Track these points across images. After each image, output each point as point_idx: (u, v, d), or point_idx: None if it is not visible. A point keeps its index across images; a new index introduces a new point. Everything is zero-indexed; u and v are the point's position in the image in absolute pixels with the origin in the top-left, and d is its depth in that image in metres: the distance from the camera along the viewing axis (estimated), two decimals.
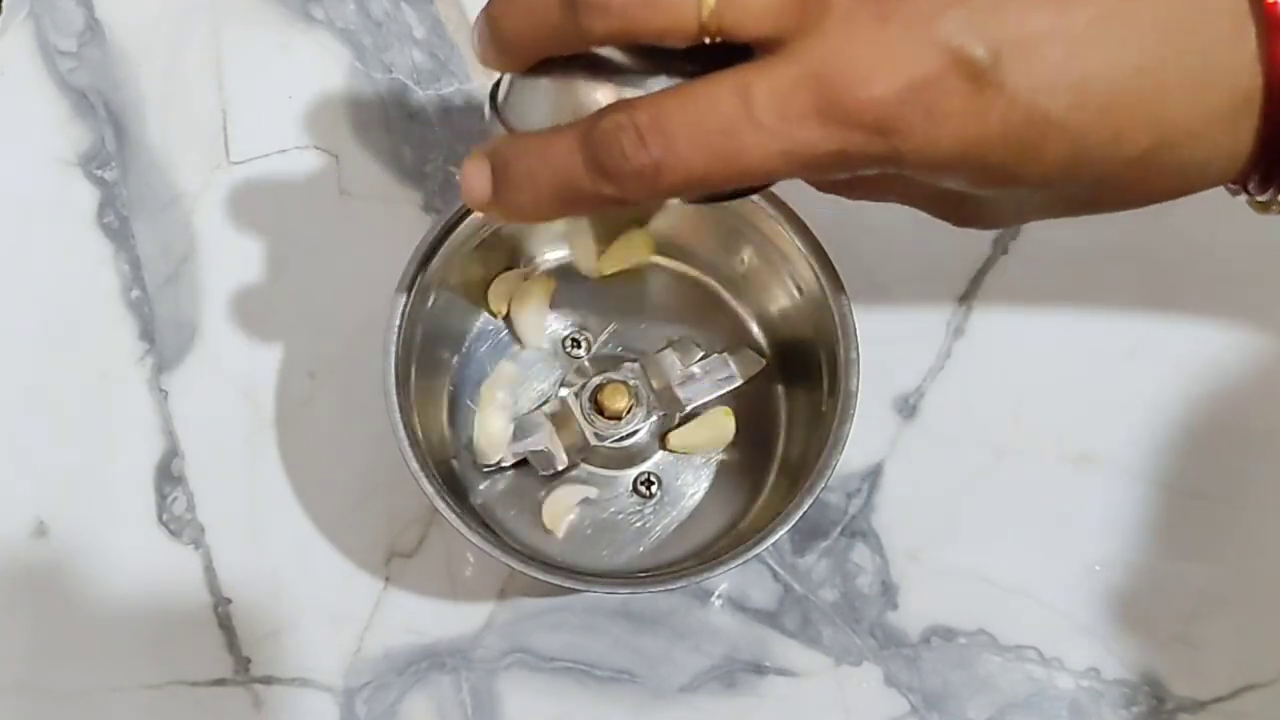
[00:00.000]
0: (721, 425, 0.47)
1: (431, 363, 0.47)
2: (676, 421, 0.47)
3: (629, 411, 0.46)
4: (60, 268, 0.51)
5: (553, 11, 0.31)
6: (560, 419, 0.46)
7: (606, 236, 0.48)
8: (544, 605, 0.48)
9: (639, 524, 0.47)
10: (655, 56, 0.31)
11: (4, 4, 0.54)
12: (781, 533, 0.41)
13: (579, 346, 0.48)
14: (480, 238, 0.46)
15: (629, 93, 0.31)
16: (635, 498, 0.47)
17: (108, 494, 0.49)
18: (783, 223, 0.43)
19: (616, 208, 0.32)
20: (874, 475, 0.50)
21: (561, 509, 0.46)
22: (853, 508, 0.49)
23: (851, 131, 0.30)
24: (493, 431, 0.46)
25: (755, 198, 0.43)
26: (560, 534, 0.46)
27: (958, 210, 0.37)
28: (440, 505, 0.41)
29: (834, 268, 0.43)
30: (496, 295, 0.48)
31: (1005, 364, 0.50)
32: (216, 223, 0.52)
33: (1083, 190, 0.34)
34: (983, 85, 0.30)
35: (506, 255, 0.48)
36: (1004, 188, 0.33)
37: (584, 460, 0.47)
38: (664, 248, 0.49)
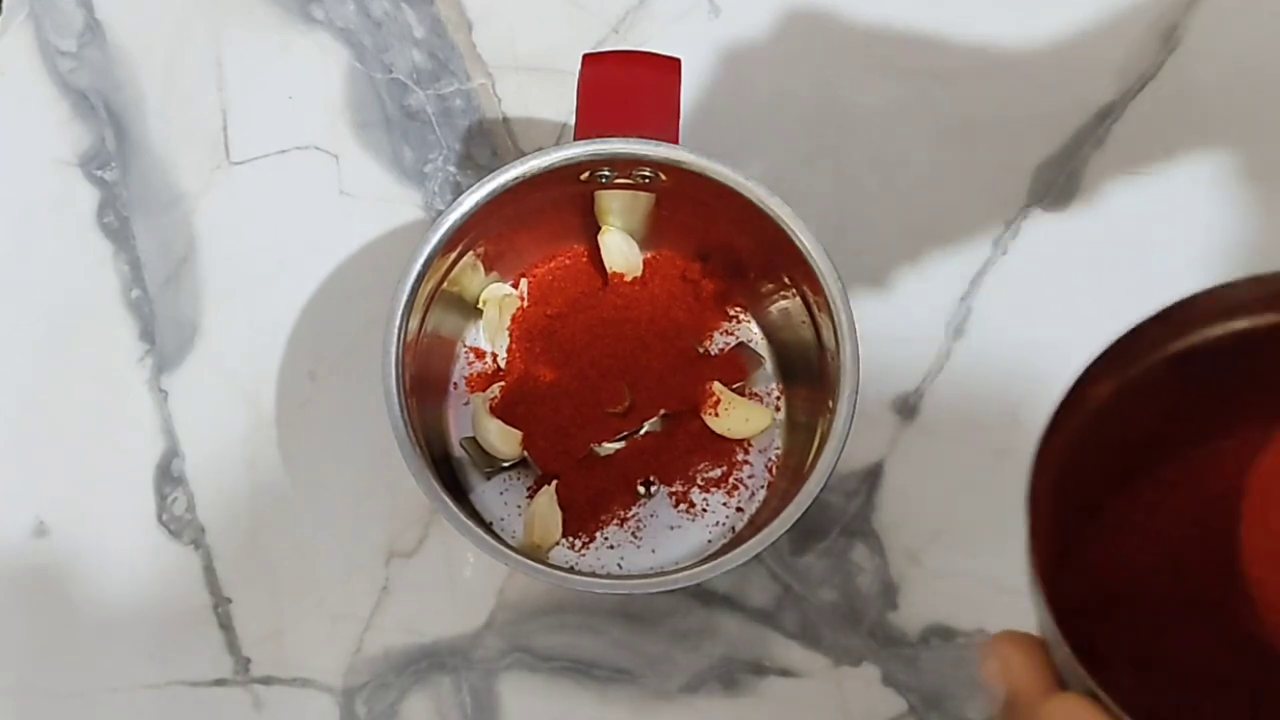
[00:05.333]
0: (758, 413, 0.47)
1: (431, 362, 0.47)
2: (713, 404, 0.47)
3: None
4: (60, 268, 0.51)
5: None
6: None
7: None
8: (544, 605, 0.49)
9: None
10: None
11: (4, 4, 0.54)
12: (781, 533, 0.41)
13: None
14: (480, 239, 0.46)
15: None
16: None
17: (108, 494, 0.49)
18: (783, 222, 0.43)
19: None
20: (874, 475, 0.50)
21: (544, 529, 0.46)
22: (852, 508, 0.49)
23: None
24: (492, 432, 0.46)
25: (757, 198, 0.43)
26: (548, 551, 0.46)
27: None
28: (440, 505, 0.41)
29: (834, 268, 0.43)
30: (486, 306, 0.48)
31: (1005, 364, 0.50)
32: (216, 223, 0.52)
33: None
34: None
35: (502, 259, 0.48)
36: None
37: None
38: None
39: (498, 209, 0.44)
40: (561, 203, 0.46)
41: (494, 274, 0.48)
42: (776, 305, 0.47)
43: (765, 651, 0.48)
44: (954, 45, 0.53)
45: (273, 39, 0.53)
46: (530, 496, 0.47)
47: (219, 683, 0.48)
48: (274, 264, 0.51)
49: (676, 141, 0.44)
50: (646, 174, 0.45)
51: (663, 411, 0.47)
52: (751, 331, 0.49)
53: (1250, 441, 0.30)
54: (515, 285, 0.49)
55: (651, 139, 0.44)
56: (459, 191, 0.47)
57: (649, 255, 0.49)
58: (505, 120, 0.53)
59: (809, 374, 0.46)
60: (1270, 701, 0.29)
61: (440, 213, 0.44)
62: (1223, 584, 0.29)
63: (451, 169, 0.52)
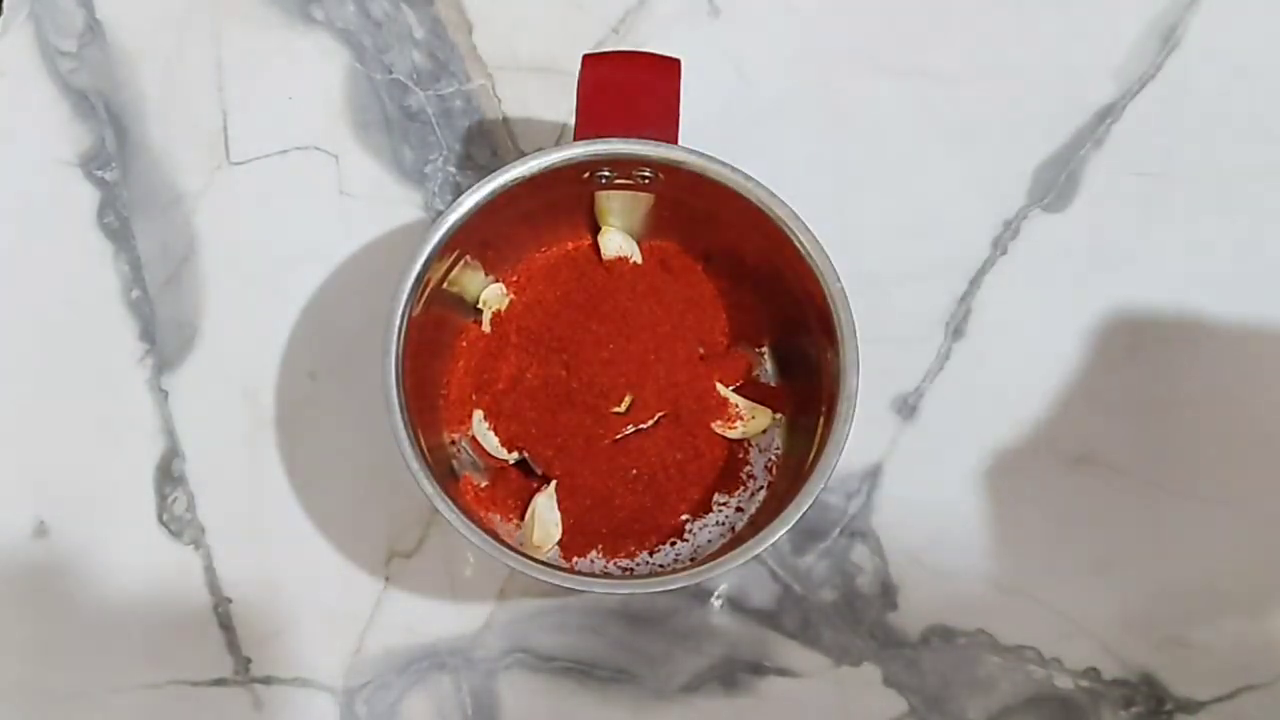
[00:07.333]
0: (758, 413, 0.47)
1: (432, 362, 0.47)
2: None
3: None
4: (60, 268, 0.51)
5: None
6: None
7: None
8: (544, 605, 0.49)
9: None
10: None
11: (4, 5, 0.54)
12: (781, 533, 0.41)
13: None
14: (479, 238, 0.46)
15: None
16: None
17: (108, 494, 0.49)
18: (783, 222, 0.43)
19: None
20: (873, 475, 0.50)
21: (544, 529, 0.46)
22: (852, 508, 0.49)
23: None
24: (492, 432, 0.46)
25: (757, 198, 0.43)
26: (548, 552, 0.46)
27: None
28: (440, 505, 0.41)
29: (834, 268, 0.43)
30: (486, 307, 0.48)
31: (1005, 364, 0.50)
32: (217, 223, 0.52)
33: None
34: None
35: (502, 260, 0.48)
36: None
37: None
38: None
39: (498, 209, 0.44)
40: (561, 203, 0.46)
41: (493, 274, 0.48)
42: (776, 305, 0.47)
43: (765, 651, 0.48)
44: (954, 45, 0.53)
45: (273, 39, 0.53)
46: (530, 497, 0.47)
47: (219, 683, 0.48)
48: (274, 264, 0.51)
49: (676, 141, 0.44)
50: (646, 174, 0.45)
51: (663, 412, 0.47)
52: (752, 331, 0.49)
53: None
54: (514, 285, 0.49)
55: (651, 139, 0.43)
56: (459, 192, 0.47)
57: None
58: (505, 120, 0.53)
59: (809, 374, 0.46)
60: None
61: (440, 213, 0.44)
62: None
63: (451, 169, 0.52)
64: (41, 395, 0.50)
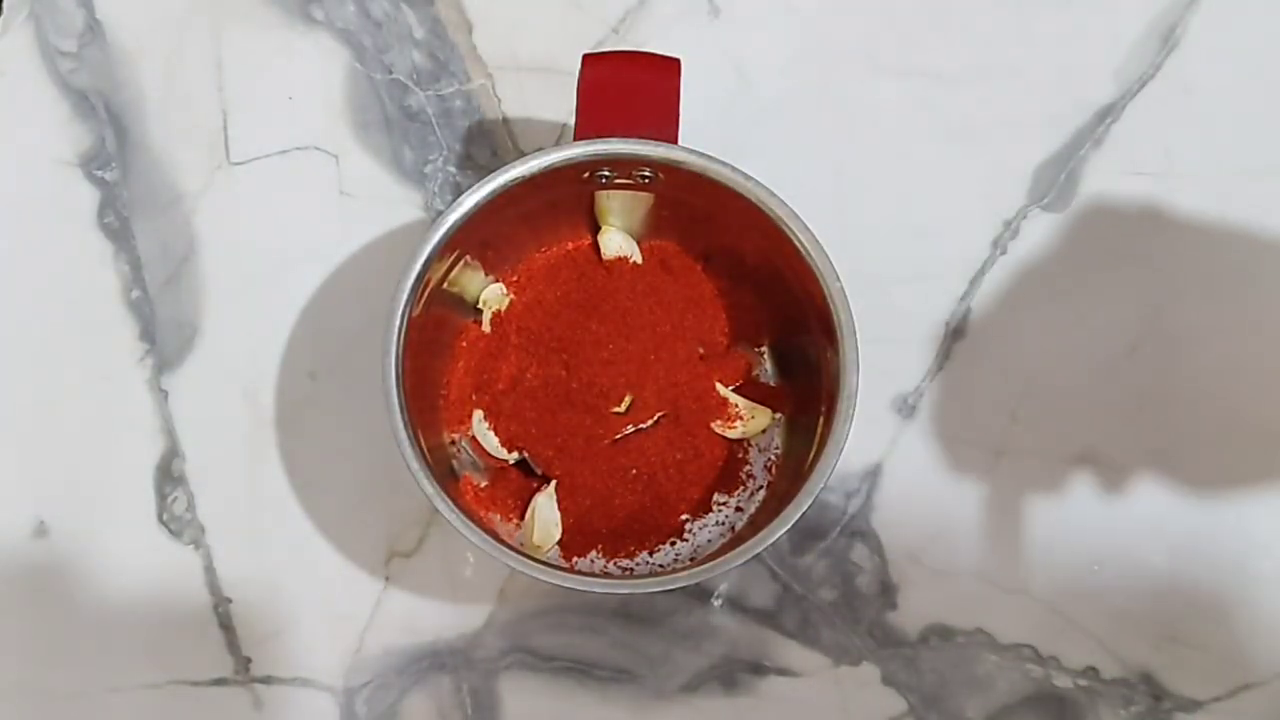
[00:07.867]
0: (758, 413, 0.47)
1: (432, 362, 0.47)
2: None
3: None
4: (60, 268, 0.51)
5: None
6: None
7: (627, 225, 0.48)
8: (544, 605, 0.49)
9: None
10: None
11: (4, 5, 0.54)
12: (781, 533, 0.41)
13: None
14: (479, 238, 0.46)
15: None
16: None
17: (108, 494, 0.49)
18: (783, 222, 0.43)
19: None
20: (873, 475, 0.50)
21: (544, 529, 0.46)
22: (852, 508, 0.49)
23: None
24: (492, 433, 0.46)
25: (757, 198, 0.43)
26: (548, 551, 0.46)
27: None
28: (440, 505, 0.41)
29: (834, 268, 0.43)
30: (486, 307, 0.48)
31: (1005, 364, 0.50)
32: (216, 223, 0.52)
33: None
34: None
35: (502, 260, 0.48)
36: None
37: None
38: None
39: (498, 209, 0.44)
40: (561, 203, 0.46)
41: (493, 274, 0.48)
42: (776, 305, 0.47)
43: (765, 651, 0.48)
44: (954, 45, 0.53)
45: (273, 39, 0.53)
46: (530, 497, 0.47)
47: (219, 682, 0.48)
48: (274, 264, 0.51)
49: (676, 141, 0.44)
50: (646, 174, 0.45)
51: (663, 412, 0.47)
52: (752, 331, 0.49)
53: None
54: (514, 285, 0.49)
55: (651, 139, 0.43)
56: (459, 191, 0.47)
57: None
58: (505, 120, 0.53)
59: (809, 374, 0.46)
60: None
61: (440, 213, 0.44)
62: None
63: (451, 169, 0.52)
64: (41, 395, 0.50)
